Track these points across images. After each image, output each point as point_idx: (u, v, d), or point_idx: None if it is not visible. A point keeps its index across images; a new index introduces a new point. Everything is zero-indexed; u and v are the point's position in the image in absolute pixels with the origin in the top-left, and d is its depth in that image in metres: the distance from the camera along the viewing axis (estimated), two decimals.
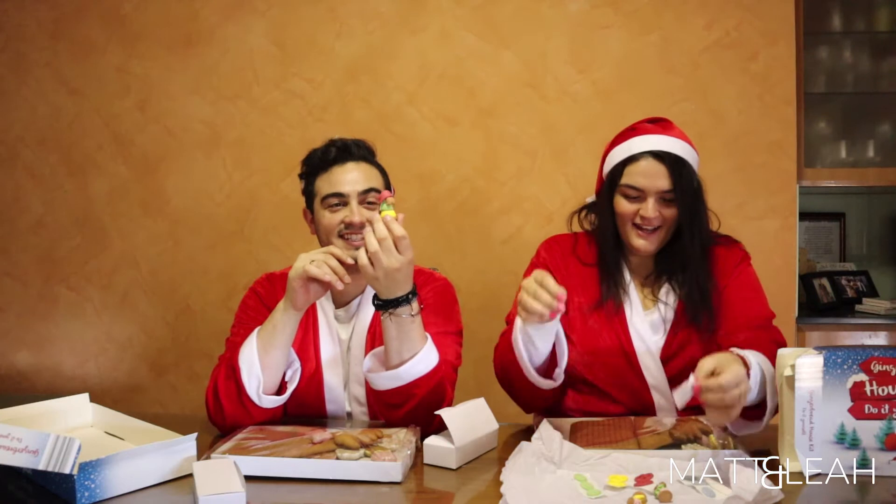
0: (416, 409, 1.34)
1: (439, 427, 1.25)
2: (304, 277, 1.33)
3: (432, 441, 1.24)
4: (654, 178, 1.43)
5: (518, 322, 1.35)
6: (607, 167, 1.52)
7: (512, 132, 2.48)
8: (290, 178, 2.53)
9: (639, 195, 1.45)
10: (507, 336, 1.43)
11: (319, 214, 1.50)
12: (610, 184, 1.50)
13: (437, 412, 1.26)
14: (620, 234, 1.51)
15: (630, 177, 1.45)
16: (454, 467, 1.20)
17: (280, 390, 1.41)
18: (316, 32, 2.52)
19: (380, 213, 1.29)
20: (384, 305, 1.31)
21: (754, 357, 1.27)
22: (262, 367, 1.35)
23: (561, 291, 1.24)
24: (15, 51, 2.62)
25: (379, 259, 1.26)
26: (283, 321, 1.36)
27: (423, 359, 1.34)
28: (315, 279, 1.34)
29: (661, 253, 1.51)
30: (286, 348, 1.39)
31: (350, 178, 1.48)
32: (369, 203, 1.49)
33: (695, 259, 1.47)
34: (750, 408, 1.28)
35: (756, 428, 1.27)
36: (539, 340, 1.35)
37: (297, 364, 1.45)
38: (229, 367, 1.38)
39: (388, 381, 1.34)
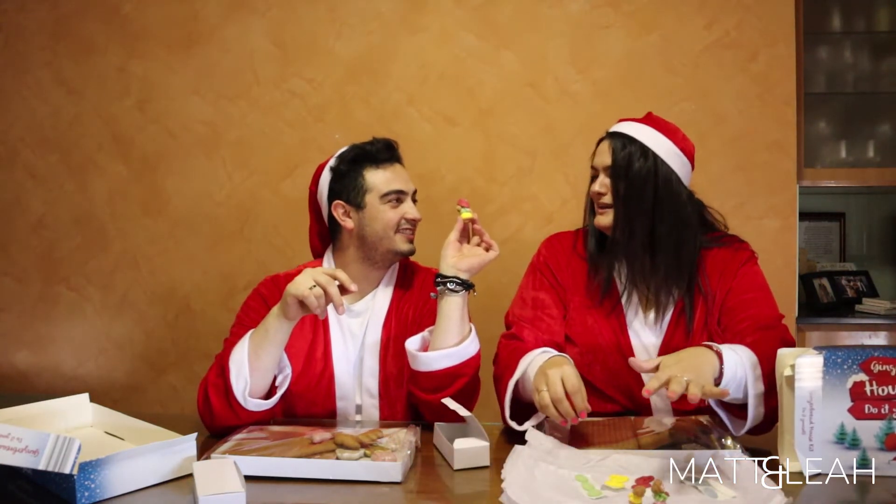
0: (463, 389, 1.42)
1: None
2: (300, 299, 1.33)
3: (462, 444, 1.21)
4: (602, 155, 1.50)
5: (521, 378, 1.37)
6: None
7: (512, 132, 2.48)
8: (290, 178, 2.53)
9: (595, 173, 1.52)
10: (506, 348, 1.47)
11: (377, 209, 1.55)
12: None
13: (443, 400, 1.31)
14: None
15: (595, 158, 1.53)
16: (489, 464, 1.20)
17: (270, 393, 1.41)
18: (316, 32, 2.52)
19: (461, 214, 1.49)
20: (468, 284, 1.46)
21: (738, 355, 1.28)
22: (250, 370, 1.35)
23: (586, 409, 1.23)
24: (15, 51, 2.62)
25: (495, 247, 1.51)
26: (276, 327, 1.37)
27: (474, 339, 1.47)
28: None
29: (658, 252, 1.49)
30: (277, 353, 1.39)
31: (405, 177, 1.60)
32: (414, 201, 1.61)
33: (634, 249, 1.47)
34: (737, 406, 1.29)
35: (742, 428, 1.29)
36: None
37: (289, 370, 1.46)
38: (220, 367, 1.39)
39: (446, 360, 1.41)
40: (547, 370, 1.27)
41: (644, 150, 1.46)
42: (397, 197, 1.56)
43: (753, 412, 1.27)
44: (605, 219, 1.50)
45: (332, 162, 1.61)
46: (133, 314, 2.61)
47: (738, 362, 1.27)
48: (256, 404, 1.37)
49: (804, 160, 2.57)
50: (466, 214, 1.49)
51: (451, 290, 1.44)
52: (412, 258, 1.65)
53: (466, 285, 1.46)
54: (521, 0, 2.46)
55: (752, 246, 1.56)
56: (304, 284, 1.31)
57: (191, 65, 2.55)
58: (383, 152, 1.58)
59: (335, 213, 1.58)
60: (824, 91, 2.77)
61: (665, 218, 1.46)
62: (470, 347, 1.45)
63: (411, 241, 1.59)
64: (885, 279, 3.04)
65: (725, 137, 2.41)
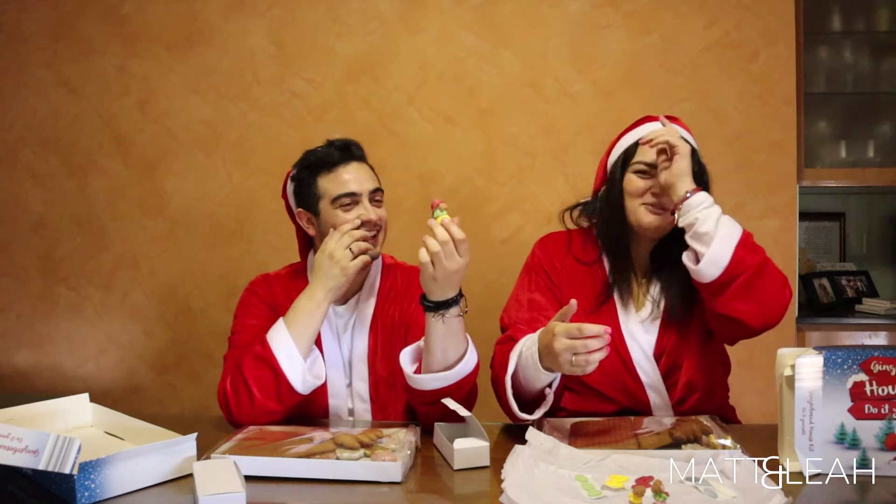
0: (461, 399, 1.37)
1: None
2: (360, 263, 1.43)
3: (462, 444, 1.20)
4: None
5: (520, 362, 1.34)
6: (618, 150, 1.52)
7: (512, 132, 2.48)
8: None
9: (650, 170, 1.46)
10: (505, 350, 1.42)
11: (330, 215, 1.51)
12: (622, 165, 1.49)
13: (443, 400, 1.29)
14: (628, 216, 1.49)
15: (644, 154, 1.46)
16: (489, 464, 1.20)
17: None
18: (316, 32, 2.52)
19: (435, 217, 1.30)
20: (436, 307, 1.32)
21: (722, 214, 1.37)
22: (302, 358, 1.41)
23: (606, 329, 1.19)
24: (15, 51, 2.61)
25: (440, 260, 1.28)
26: (322, 313, 1.43)
27: (470, 358, 1.38)
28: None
29: (660, 249, 1.51)
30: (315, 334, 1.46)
31: (358, 177, 1.52)
32: (376, 201, 1.54)
33: None
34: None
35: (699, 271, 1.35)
36: (540, 383, 1.34)
37: (317, 351, 1.49)
38: (266, 365, 1.39)
39: (437, 382, 1.35)
40: (544, 346, 1.26)
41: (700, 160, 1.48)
42: (351, 200, 1.50)
43: (717, 242, 1.33)
44: (661, 220, 1.45)
45: (293, 171, 1.59)
46: (133, 314, 2.61)
47: (714, 204, 1.37)
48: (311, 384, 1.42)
49: (804, 160, 2.57)
50: (443, 216, 1.31)
51: (426, 309, 1.35)
52: (400, 259, 1.65)
53: (437, 307, 1.32)
54: (521, 0, 2.46)
55: None
56: (347, 262, 1.42)
57: (191, 65, 2.55)
58: (333, 155, 1.52)
59: (300, 222, 1.59)
60: (824, 91, 2.77)
61: None
62: (466, 366, 1.37)
63: (373, 245, 1.50)
64: (885, 279, 3.04)
65: (725, 137, 2.41)
